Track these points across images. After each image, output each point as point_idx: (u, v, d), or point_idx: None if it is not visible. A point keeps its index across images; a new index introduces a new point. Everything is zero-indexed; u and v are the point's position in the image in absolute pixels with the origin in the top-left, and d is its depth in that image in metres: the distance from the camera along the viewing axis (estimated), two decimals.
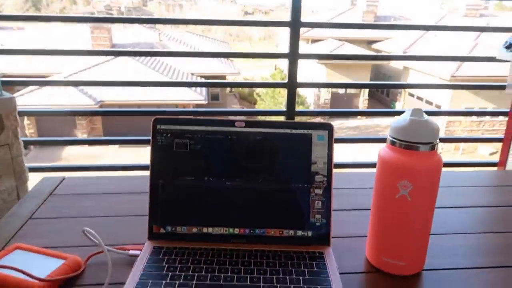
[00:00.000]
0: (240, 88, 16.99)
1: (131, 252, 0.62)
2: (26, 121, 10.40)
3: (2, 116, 1.28)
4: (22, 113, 1.40)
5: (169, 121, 0.65)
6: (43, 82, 1.42)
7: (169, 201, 0.64)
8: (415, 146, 0.54)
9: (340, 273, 0.58)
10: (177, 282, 0.54)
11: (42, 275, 0.54)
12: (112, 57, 10.79)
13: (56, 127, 10.35)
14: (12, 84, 1.43)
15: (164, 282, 0.54)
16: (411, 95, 14.26)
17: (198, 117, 0.66)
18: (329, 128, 0.64)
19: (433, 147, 0.54)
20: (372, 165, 1.63)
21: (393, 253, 0.58)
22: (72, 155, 9.81)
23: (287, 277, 0.56)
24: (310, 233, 0.64)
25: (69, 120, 10.68)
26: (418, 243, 0.58)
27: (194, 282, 0.54)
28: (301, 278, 0.56)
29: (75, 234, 0.68)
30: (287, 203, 0.64)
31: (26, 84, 1.54)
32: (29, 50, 1.46)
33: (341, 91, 15.14)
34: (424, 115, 0.54)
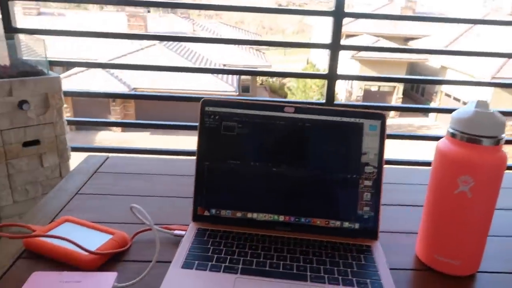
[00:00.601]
0: (271, 81, 16.95)
1: (176, 232, 0.62)
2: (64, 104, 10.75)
3: (48, 95, 1.32)
4: (67, 94, 1.44)
5: (218, 103, 0.64)
6: (87, 64, 1.46)
7: (215, 184, 0.64)
8: (478, 140, 0.50)
9: (390, 269, 0.56)
10: (223, 264, 0.54)
11: (91, 248, 0.54)
12: (147, 45, 10.97)
13: (91, 112, 10.66)
14: (58, 64, 1.47)
15: (210, 264, 0.54)
16: (448, 95, 13.77)
17: (247, 101, 0.65)
18: (382, 118, 0.62)
19: (498, 141, 0.51)
20: (423, 164, 1.59)
21: (447, 251, 0.55)
22: (105, 139, 10.10)
23: (335, 268, 0.54)
24: (357, 226, 0.62)
25: (104, 106, 10.98)
26: (475, 243, 0.55)
27: (240, 266, 0.53)
28: (349, 270, 0.54)
29: (120, 211, 0.69)
30: (334, 193, 0.62)
31: (71, 65, 1.58)
32: (74, 32, 1.50)
33: (374, 88, 14.81)
34: (490, 107, 0.51)
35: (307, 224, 0.63)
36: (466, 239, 0.54)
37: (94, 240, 0.57)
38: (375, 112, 0.62)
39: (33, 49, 1.52)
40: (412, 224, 0.69)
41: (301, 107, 0.63)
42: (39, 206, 0.70)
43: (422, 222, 0.59)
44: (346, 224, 0.62)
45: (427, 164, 1.51)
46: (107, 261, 0.55)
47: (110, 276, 0.50)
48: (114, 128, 10.64)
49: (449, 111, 1.70)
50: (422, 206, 0.61)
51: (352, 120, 0.62)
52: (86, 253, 0.53)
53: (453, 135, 0.53)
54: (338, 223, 0.62)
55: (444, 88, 13.90)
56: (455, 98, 13.34)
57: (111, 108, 11.17)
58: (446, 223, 0.55)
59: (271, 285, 0.51)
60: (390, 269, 0.56)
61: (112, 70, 10.05)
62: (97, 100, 10.83)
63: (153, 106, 10.55)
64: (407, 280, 0.56)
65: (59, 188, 0.77)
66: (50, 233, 0.58)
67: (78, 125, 10.61)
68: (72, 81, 9.81)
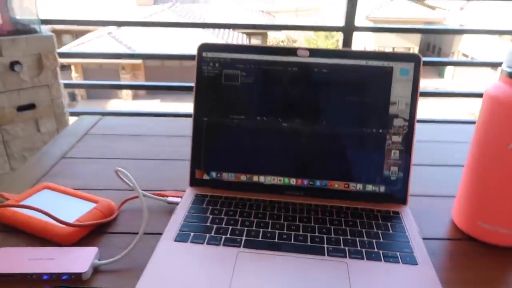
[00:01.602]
0: (282, 44, 16.51)
1: (170, 199, 0.53)
2: (73, 73, 10.69)
3: (41, 55, 1.22)
4: (63, 55, 1.34)
5: (218, 48, 0.54)
6: (82, 22, 1.35)
7: (215, 143, 0.54)
8: None
9: (423, 239, 0.46)
10: (224, 236, 0.45)
11: (70, 219, 0.46)
12: (154, 12, 10.70)
13: (102, 80, 10.59)
14: (51, 23, 1.37)
15: (208, 235, 0.45)
16: (465, 55, 13.24)
17: (251, 44, 0.54)
18: (416, 60, 0.51)
19: None
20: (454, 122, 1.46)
21: (495, 217, 0.46)
22: (115, 108, 10.07)
23: (357, 239, 0.45)
24: (382, 189, 0.52)
25: (114, 74, 10.88)
26: None
27: (243, 238, 0.45)
28: (374, 241, 0.45)
29: (109, 177, 0.60)
30: (356, 151, 0.52)
31: (64, 23, 1.47)
32: None
33: (388, 49, 14.32)
34: None
35: (323, 188, 0.53)
36: None
37: (74, 210, 0.49)
38: (409, 53, 0.51)
39: (24, 7, 1.41)
40: (447, 186, 0.59)
41: (317, 50, 0.52)
42: (19, 172, 0.62)
43: (463, 183, 0.49)
44: (370, 187, 0.53)
45: (458, 123, 1.38)
46: (89, 233, 0.47)
47: (89, 252, 0.42)
48: (125, 96, 10.58)
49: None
50: (460, 166, 0.51)
51: (380, 63, 0.51)
52: (63, 225, 0.45)
53: (510, 75, 0.42)
54: (359, 186, 0.53)
55: (462, 47, 13.37)
56: (472, 58, 12.83)
57: (121, 76, 11.06)
58: (495, 184, 0.44)
59: (280, 259, 0.42)
60: (423, 238, 0.47)
61: (120, 38, 9.87)
62: (107, 69, 10.75)
63: (162, 73, 10.42)
64: (444, 252, 0.47)
65: (44, 151, 0.69)
66: (25, 202, 0.50)
67: (89, 93, 10.58)
68: (81, 49, 9.68)
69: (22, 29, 1.25)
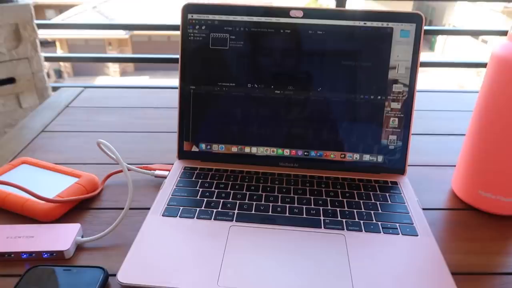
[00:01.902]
0: None
1: (157, 172, 0.50)
2: (59, 50, 10.40)
3: (18, 25, 1.16)
4: (42, 26, 1.28)
5: (204, 9, 0.50)
6: None
7: (204, 113, 0.51)
8: None
9: (422, 209, 0.45)
10: (215, 210, 0.43)
11: (50, 195, 0.43)
12: None
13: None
14: None
15: (198, 209, 0.43)
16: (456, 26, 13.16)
17: (241, 4, 0.50)
18: (417, 20, 0.48)
19: None
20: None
21: (496, 186, 0.44)
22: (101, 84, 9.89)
23: (354, 211, 0.43)
24: (380, 158, 0.50)
25: (100, 50, 10.61)
26: None
27: (235, 212, 0.42)
28: (372, 212, 0.43)
29: (92, 151, 0.57)
30: (352, 119, 0.50)
31: None
32: None
33: None
34: None
35: (319, 158, 0.51)
36: None
37: (55, 185, 0.46)
38: (409, 12, 0.47)
39: None
40: (447, 155, 0.57)
41: (311, 10, 0.49)
42: None
43: (464, 151, 0.47)
44: (367, 157, 0.50)
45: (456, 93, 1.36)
46: (71, 210, 0.44)
47: (71, 229, 0.40)
48: (112, 73, 10.36)
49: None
50: (460, 135, 0.48)
51: (378, 24, 0.48)
52: (43, 202, 0.42)
53: None
54: (356, 156, 0.50)
55: (453, 20, 13.28)
56: None
57: (107, 52, 10.80)
58: (497, 151, 0.42)
59: (275, 233, 0.40)
60: (423, 209, 0.45)
61: (106, 13, 9.58)
62: (93, 45, 10.48)
63: (149, 48, 10.21)
64: (444, 222, 0.45)
65: (23, 125, 0.65)
66: (1, 178, 0.47)
67: (75, 70, 10.34)
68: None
69: None
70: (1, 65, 1.14)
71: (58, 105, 0.72)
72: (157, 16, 9.11)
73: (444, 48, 12.90)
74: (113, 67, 10.90)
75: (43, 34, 1.25)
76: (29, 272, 0.35)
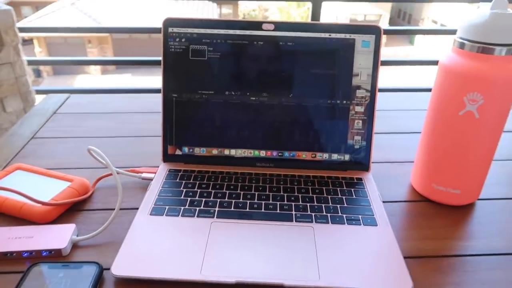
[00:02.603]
0: (254, 15, 16.21)
1: (144, 175, 0.55)
2: (37, 48, 10.20)
3: (0, 31, 1.17)
4: (24, 29, 1.29)
5: (183, 23, 0.54)
6: None
7: (186, 118, 0.55)
8: (491, 49, 0.42)
9: (383, 202, 0.50)
10: (198, 208, 0.47)
11: (45, 199, 0.47)
12: None
13: (67, 55, 10.15)
14: None
15: (182, 208, 0.47)
16: (435, 22, 13.41)
17: (218, 19, 0.55)
18: (376, 32, 0.53)
19: None
20: (417, 90, 1.50)
21: (447, 180, 0.50)
22: (84, 84, 9.75)
23: (323, 205, 0.49)
24: (347, 157, 0.56)
25: (80, 48, 10.45)
26: (478, 169, 0.49)
27: (216, 209, 0.47)
28: (338, 206, 0.49)
29: (81, 156, 0.61)
30: (321, 122, 0.55)
31: None
32: None
33: (360, 17, 14.31)
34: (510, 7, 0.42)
35: (291, 158, 0.56)
36: (468, 165, 0.48)
37: (49, 189, 0.50)
38: (369, 25, 0.53)
39: None
40: (407, 152, 0.63)
41: (282, 24, 0.53)
42: None
43: (419, 149, 0.53)
44: (335, 156, 0.56)
45: (421, 90, 1.43)
46: (65, 212, 0.48)
47: (67, 229, 0.44)
48: (93, 71, 10.23)
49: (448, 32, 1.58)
50: (418, 133, 0.54)
51: (342, 36, 0.53)
52: (39, 205, 0.46)
53: (461, 46, 0.44)
54: (325, 155, 0.56)
55: (431, 14, 13.52)
56: (442, 24, 13.02)
57: (87, 50, 10.64)
58: (447, 149, 0.48)
59: (251, 227, 0.45)
60: (384, 201, 0.51)
61: (85, 10, 9.42)
62: (72, 43, 10.31)
63: (131, 46, 10.10)
64: (403, 213, 0.51)
65: (12, 132, 0.68)
66: None
67: (55, 69, 10.16)
68: (42, 22, 9.21)
69: None
70: None
71: (46, 112, 0.75)
72: (136, 11, 9.01)
73: (423, 42, 13.13)
74: (94, 66, 10.76)
75: (20, 34, 1.26)
76: (31, 268, 0.39)
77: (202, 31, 0.54)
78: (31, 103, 1.28)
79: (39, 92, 1.33)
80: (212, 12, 10.34)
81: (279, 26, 0.54)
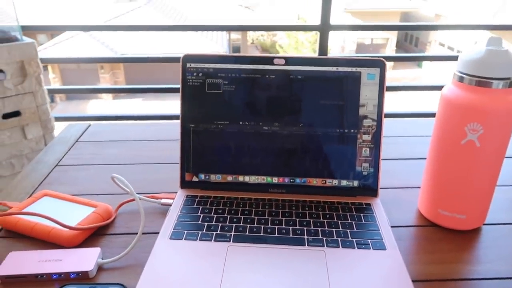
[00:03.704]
0: (262, 40, 16.53)
1: (163, 200, 0.58)
2: (51, 74, 10.49)
3: (23, 62, 1.24)
4: (45, 60, 1.36)
5: (200, 59, 0.58)
6: (63, 28, 1.37)
7: (202, 147, 0.59)
8: (489, 82, 0.45)
9: (391, 226, 0.52)
10: (215, 233, 0.50)
11: (72, 223, 0.50)
12: (131, 9, 10.56)
13: (81, 80, 10.42)
14: (32, 29, 1.38)
15: (200, 232, 0.50)
16: (442, 44, 13.52)
17: (232, 54, 0.59)
18: (380, 65, 0.57)
19: (510, 84, 0.46)
20: (424, 116, 1.53)
21: (453, 205, 0.52)
22: (96, 108, 9.95)
23: (333, 230, 0.51)
24: (356, 183, 0.58)
25: (93, 74, 10.72)
26: (482, 195, 0.51)
27: (232, 233, 0.50)
28: (348, 231, 0.51)
29: (103, 182, 0.65)
30: (331, 150, 0.58)
31: (46, 29, 1.48)
32: None
33: (367, 41, 14.50)
34: (504, 43, 0.45)
35: (303, 184, 0.59)
36: (473, 191, 0.51)
37: (75, 215, 0.53)
38: (374, 59, 0.56)
39: (3, 14, 1.41)
40: (414, 178, 0.65)
41: (292, 58, 0.57)
42: (17, 181, 0.66)
43: (425, 175, 0.55)
44: (344, 183, 0.58)
45: (428, 115, 1.45)
46: (90, 236, 0.51)
47: (93, 252, 0.47)
48: (105, 96, 10.45)
49: (453, 58, 1.62)
50: (424, 159, 0.57)
51: (349, 69, 0.57)
52: (66, 229, 0.49)
53: (460, 79, 0.48)
54: (335, 181, 0.58)
55: (438, 37, 13.64)
56: (449, 47, 13.12)
57: (100, 75, 10.91)
58: (451, 176, 0.51)
59: (266, 251, 0.47)
60: (392, 226, 0.53)
61: (98, 37, 9.72)
62: (85, 69, 10.58)
63: (142, 71, 10.32)
64: (410, 237, 0.53)
65: (38, 160, 0.72)
66: (27, 209, 0.54)
67: (68, 95, 10.40)
68: (57, 50, 9.51)
69: (2, 37, 1.27)
70: (8, 100, 1.22)
71: (68, 140, 0.79)
72: (151, 37, 9.25)
73: (431, 65, 13.20)
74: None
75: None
76: None
77: (218, 66, 0.58)
78: (51, 130, 1.33)
79: (58, 119, 1.39)
80: (222, 38, 10.59)
81: (289, 60, 0.57)
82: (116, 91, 1.83)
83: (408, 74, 12.93)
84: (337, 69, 0.57)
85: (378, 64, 0.56)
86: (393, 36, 14.01)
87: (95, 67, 10.81)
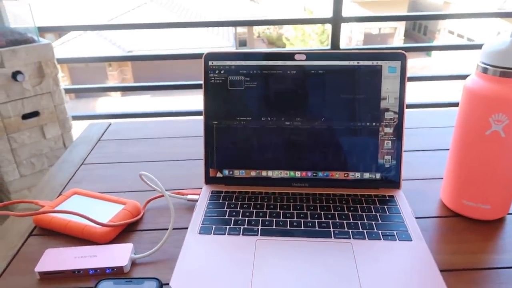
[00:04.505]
0: (268, 33, 16.46)
1: (189, 196, 0.59)
2: (60, 73, 10.58)
3: (41, 63, 1.26)
4: (61, 61, 1.38)
5: (222, 56, 0.59)
6: (78, 27, 1.39)
7: (225, 143, 0.60)
8: None
9: (415, 218, 0.53)
10: (242, 227, 0.51)
11: (103, 220, 0.52)
12: (137, 5, 10.57)
13: (89, 78, 10.49)
14: (48, 30, 1.40)
15: (228, 227, 0.51)
16: (451, 32, 13.33)
17: (253, 51, 0.60)
18: (402, 58, 0.57)
19: None
20: (445, 105, 1.52)
21: (477, 196, 0.52)
22: (106, 106, 10.03)
23: (359, 222, 0.52)
24: (378, 175, 0.59)
25: (101, 72, 10.79)
26: (506, 185, 0.51)
27: (259, 227, 0.51)
28: (373, 223, 0.52)
29: (129, 179, 0.66)
30: (353, 143, 0.59)
31: (62, 30, 1.50)
32: None
33: (375, 31, 14.34)
34: None
35: (326, 178, 0.59)
36: (497, 181, 0.51)
37: (105, 212, 0.54)
38: (395, 52, 0.57)
39: (19, 16, 1.44)
40: (436, 169, 0.66)
41: (313, 54, 0.58)
42: (45, 180, 0.67)
43: (448, 166, 0.56)
44: (367, 175, 0.59)
45: (450, 105, 1.44)
46: (121, 232, 0.53)
47: (126, 248, 0.48)
48: (113, 94, 10.52)
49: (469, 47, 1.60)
50: (446, 150, 0.57)
51: (369, 63, 0.57)
52: (99, 226, 0.51)
53: (484, 70, 0.48)
54: (358, 174, 0.59)
55: (447, 25, 13.45)
56: (458, 35, 12.93)
57: (108, 73, 10.97)
58: (476, 166, 0.51)
59: (294, 244, 0.48)
60: (416, 218, 0.54)
61: (105, 34, 9.78)
62: (93, 67, 10.65)
63: (149, 68, 10.36)
64: (435, 228, 0.54)
65: (63, 160, 0.74)
66: (59, 207, 0.56)
67: (78, 93, 10.49)
68: (66, 48, 9.59)
69: (20, 39, 1.29)
70: (27, 100, 1.24)
71: (91, 139, 0.81)
72: (159, 34, 9.26)
73: (440, 54, 13.04)
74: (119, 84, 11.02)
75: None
76: (99, 284, 0.43)
77: (239, 63, 0.59)
78: (68, 129, 1.35)
79: (75, 118, 1.41)
80: (228, 32, 10.57)
81: (310, 56, 0.58)
82: (136, 89, 1.84)
83: (417, 63, 12.78)
84: (358, 63, 0.57)
85: (399, 57, 0.57)
86: (401, 25, 13.84)
87: (103, 64, 10.86)
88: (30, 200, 0.58)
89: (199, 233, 0.50)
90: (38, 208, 0.56)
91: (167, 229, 0.51)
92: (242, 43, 13.19)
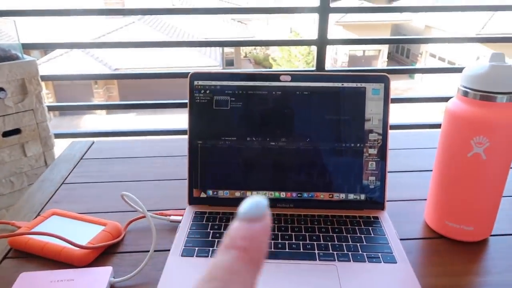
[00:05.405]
0: (255, 53, 16.68)
1: (172, 217, 0.58)
2: (44, 90, 10.46)
3: (25, 80, 1.24)
4: (44, 78, 1.36)
5: (208, 76, 0.59)
6: (62, 45, 1.38)
7: (210, 163, 0.59)
8: (493, 97, 0.47)
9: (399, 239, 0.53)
10: None
11: (82, 242, 0.50)
12: (125, 24, 10.61)
13: (75, 96, 10.39)
14: (32, 47, 1.38)
15: (211, 249, 0.50)
16: (433, 55, 13.73)
17: (239, 71, 0.60)
18: (385, 80, 0.58)
19: None
20: (428, 126, 1.54)
21: (460, 217, 0.53)
22: (90, 124, 9.91)
23: (343, 244, 0.51)
24: (363, 197, 0.59)
25: (86, 89, 10.71)
26: (489, 207, 0.52)
27: None
28: (358, 244, 0.51)
29: (111, 199, 0.65)
30: (337, 164, 0.59)
31: (46, 47, 1.49)
32: (45, 11, 1.40)
33: (359, 53, 14.68)
34: (506, 59, 0.47)
35: (310, 199, 0.59)
36: (479, 203, 0.51)
37: (85, 233, 0.53)
38: (378, 75, 0.58)
39: (4, 33, 1.42)
40: (420, 190, 0.66)
41: (298, 75, 0.58)
42: (24, 199, 0.65)
43: (431, 187, 0.56)
44: (351, 196, 0.59)
45: (433, 126, 1.47)
46: (100, 254, 0.51)
47: (105, 271, 0.47)
48: (99, 112, 10.42)
49: (452, 70, 1.65)
50: (430, 171, 0.57)
51: (354, 85, 0.58)
52: (77, 248, 0.49)
53: (465, 94, 0.49)
54: (342, 195, 0.59)
55: (429, 48, 13.86)
56: (440, 58, 13.32)
57: (94, 90, 10.89)
58: (458, 188, 0.51)
59: (278, 267, 0.47)
60: (400, 239, 0.53)
61: (92, 52, 9.75)
62: (79, 84, 10.57)
63: (136, 86, 10.35)
64: (419, 250, 0.53)
65: (44, 178, 0.72)
66: (36, 228, 0.54)
67: (62, 111, 10.36)
68: (51, 65, 9.51)
69: (3, 56, 1.27)
70: (9, 118, 1.22)
71: (73, 158, 0.79)
72: (146, 52, 9.28)
73: (422, 75, 13.37)
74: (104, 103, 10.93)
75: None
76: None
77: (225, 83, 0.59)
78: (50, 147, 1.33)
79: (57, 136, 1.38)
80: (215, 51, 10.66)
81: (295, 77, 0.58)
82: (121, 107, 1.82)
83: (401, 85, 13.06)
84: (342, 84, 0.58)
85: (383, 79, 0.58)
86: (385, 48, 14.21)
87: (88, 82, 10.80)
88: (5, 221, 0.56)
89: (182, 255, 0.49)
90: (14, 229, 0.55)
91: (148, 251, 0.50)
92: (229, 62, 13.31)
